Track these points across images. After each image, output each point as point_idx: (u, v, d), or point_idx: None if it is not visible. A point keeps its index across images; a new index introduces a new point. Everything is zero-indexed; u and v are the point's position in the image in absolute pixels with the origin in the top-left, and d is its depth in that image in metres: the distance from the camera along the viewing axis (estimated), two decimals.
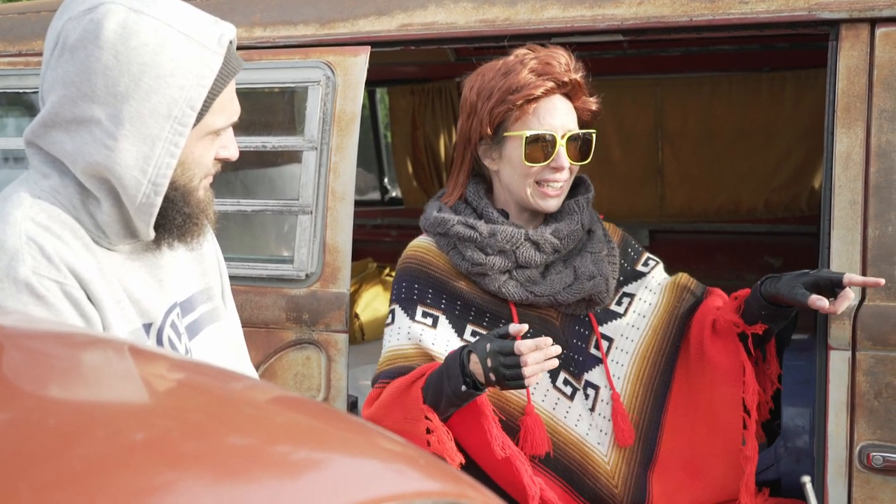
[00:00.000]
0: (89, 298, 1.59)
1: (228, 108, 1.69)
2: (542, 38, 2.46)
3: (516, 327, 1.97)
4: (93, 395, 1.06)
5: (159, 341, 1.70)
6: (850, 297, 2.03)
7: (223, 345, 1.90)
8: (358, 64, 2.59)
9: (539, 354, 1.95)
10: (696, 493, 2.27)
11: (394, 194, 5.47)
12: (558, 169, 2.21)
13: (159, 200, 1.62)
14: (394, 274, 4.45)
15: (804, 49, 3.95)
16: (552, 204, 2.25)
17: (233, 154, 1.74)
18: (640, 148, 4.47)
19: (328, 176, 2.56)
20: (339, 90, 2.59)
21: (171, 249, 1.74)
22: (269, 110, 3.30)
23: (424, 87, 4.93)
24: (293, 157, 3.85)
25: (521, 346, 1.93)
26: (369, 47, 2.61)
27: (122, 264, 1.68)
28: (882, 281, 2.04)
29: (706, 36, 2.38)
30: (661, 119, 4.43)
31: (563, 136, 2.20)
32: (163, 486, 0.82)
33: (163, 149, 1.59)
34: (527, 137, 2.19)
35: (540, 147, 2.20)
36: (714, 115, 4.30)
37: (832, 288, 2.06)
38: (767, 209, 4.38)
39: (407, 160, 5.16)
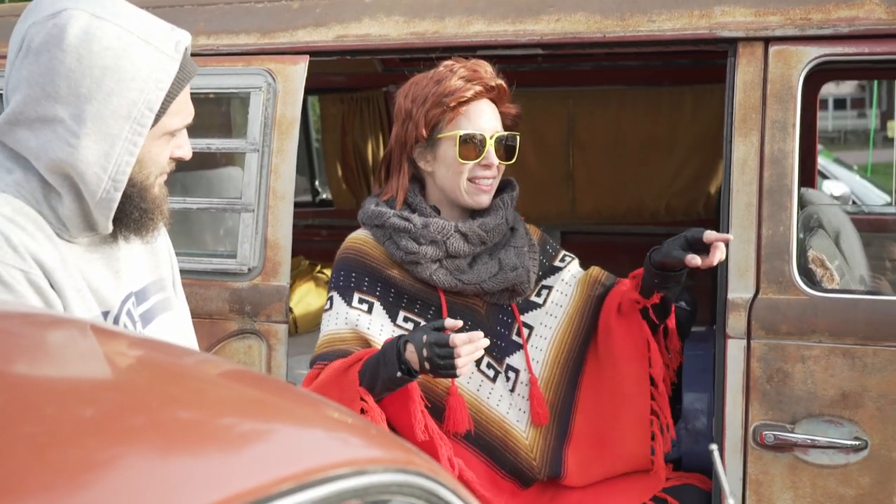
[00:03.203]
0: (52, 287, 1.58)
1: (184, 110, 1.70)
2: (469, 50, 2.50)
3: (452, 322, 2.02)
4: (47, 372, 1.05)
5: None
6: (720, 249, 2.06)
7: (174, 332, 1.90)
8: (297, 72, 2.60)
9: (471, 346, 2.00)
10: (606, 465, 2.34)
11: (324, 196, 5.46)
12: (488, 166, 2.27)
13: (118, 196, 1.62)
14: (325, 271, 4.45)
15: (703, 66, 4.04)
16: (484, 199, 2.30)
17: (187, 153, 1.75)
18: (553, 155, 4.53)
19: (269, 177, 2.57)
20: (279, 96, 2.59)
21: (128, 242, 1.74)
22: (213, 114, 3.29)
23: (353, 96, 4.92)
24: (230, 159, 3.84)
25: (456, 338, 1.98)
26: (308, 56, 2.62)
27: (82, 256, 1.67)
28: (731, 237, 2.12)
29: (617, 51, 2.44)
30: (572, 128, 4.49)
31: (491, 137, 2.26)
32: (108, 461, 0.82)
33: (122, 147, 1.59)
34: (460, 136, 2.24)
35: (472, 146, 2.26)
36: (620, 126, 4.37)
37: (704, 245, 2.10)
38: (668, 212, 4.47)
39: (337, 164, 5.15)
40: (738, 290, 2.24)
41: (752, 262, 2.23)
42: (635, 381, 2.32)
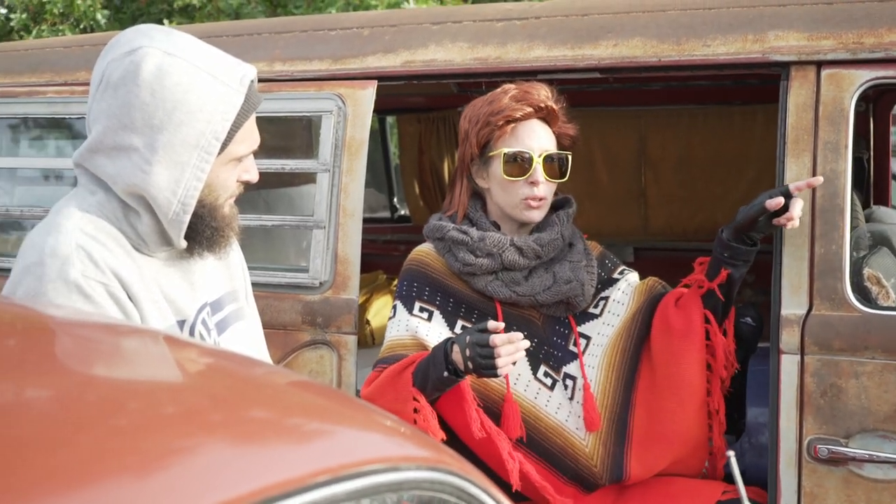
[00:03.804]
0: (130, 298, 1.72)
1: (249, 138, 1.83)
2: (529, 74, 2.59)
3: (494, 324, 2.12)
4: (131, 375, 1.17)
5: (191, 335, 1.84)
6: (801, 203, 2.19)
7: (247, 340, 2.03)
8: (366, 96, 2.72)
9: (511, 347, 2.09)
10: (674, 455, 2.39)
11: (402, 213, 5.58)
12: (535, 184, 2.35)
13: (187, 218, 1.76)
14: None
15: (774, 85, 4.05)
16: (535, 215, 2.39)
17: (253, 177, 1.88)
18: (625, 172, 4.58)
19: (339, 195, 2.69)
20: (349, 119, 2.72)
21: (202, 258, 1.88)
22: (287, 136, 3.43)
23: (430, 116, 5.05)
24: (308, 177, 3.98)
25: (495, 339, 2.08)
26: (376, 81, 2.74)
27: (160, 269, 1.81)
28: (821, 179, 2.20)
29: (672, 75, 2.50)
30: (643, 147, 4.53)
31: (539, 155, 2.34)
32: (188, 448, 0.93)
33: (191, 174, 1.73)
34: (505, 154, 2.35)
35: (518, 164, 2.35)
36: (692, 144, 4.39)
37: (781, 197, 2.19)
38: None
39: (414, 182, 5.27)
40: (792, 306, 2.28)
41: (806, 280, 2.27)
42: (697, 370, 2.36)
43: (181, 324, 1.83)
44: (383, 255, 5.05)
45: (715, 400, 2.37)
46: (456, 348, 2.14)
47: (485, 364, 2.09)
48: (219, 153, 1.75)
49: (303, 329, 2.70)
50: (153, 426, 0.97)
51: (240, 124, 1.78)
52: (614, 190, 4.59)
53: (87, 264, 1.68)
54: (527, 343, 2.12)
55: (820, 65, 2.32)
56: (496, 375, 2.12)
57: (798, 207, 2.19)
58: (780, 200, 2.17)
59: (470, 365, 2.11)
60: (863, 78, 2.27)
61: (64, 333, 1.35)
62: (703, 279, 2.37)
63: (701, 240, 4.58)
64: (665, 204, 4.55)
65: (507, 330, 2.35)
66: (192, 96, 1.70)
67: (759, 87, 4.10)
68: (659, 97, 4.32)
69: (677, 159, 4.43)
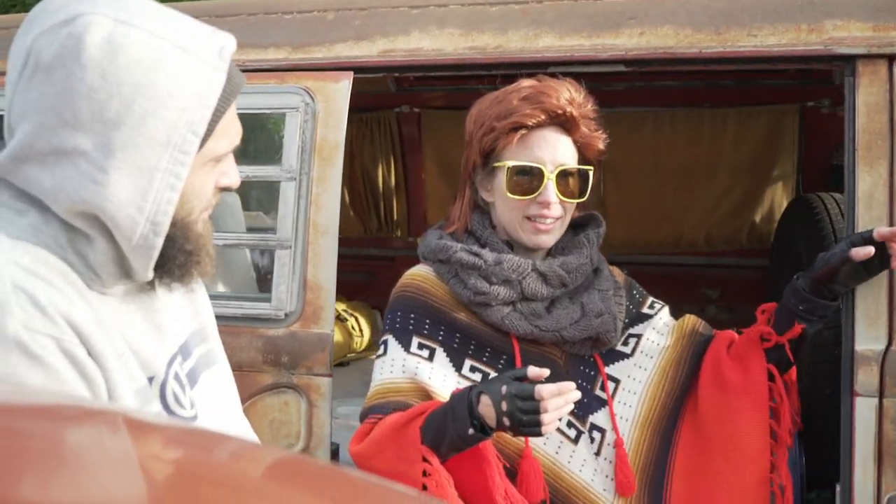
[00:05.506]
0: (90, 354, 1.27)
1: (231, 129, 1.37)
2: (539, 66, 2.21)
3: (536, 371, 1.73)
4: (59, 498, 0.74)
5: (163, 395, 1.38)
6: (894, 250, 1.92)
7: (220, 392, 1.59)
8: (340, 90, 2.31)
9: (559, 400, 1.71)
10: None
11: None
12: (544, 204, 1.96)
13: (160, 241, 1.30)
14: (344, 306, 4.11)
15: (747, 87, 3.79)
16: (544, 239, 1.99)
17: (235, 181, 1.42)
18: None
19: (309, 208, 2.27)
20: (319, 117, 2.29)
21: (169, 291, 1.43)
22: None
23: (363, 117, 4.62)
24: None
25: (543, 390, 1.69)
26: (352, 73, 2.32)
27: (118, 310, 1.35)
28: None
29: (713, 69, 2.16)
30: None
31: (552, 170, 1.95)
32: None
33: (162, 181, 1.27)
34: (510, 168, 1.95)
35: (525, 180, 1.95)
36: (657, 150, 4.10)
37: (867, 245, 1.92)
38: (708, 242, 4.21)
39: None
40: (868, 341, 1.97)
41: (884, 310, 1.96)
42: (758, 435, 2.00)
43: (150, 381, 1.38)
44: None
45: (781, 475, 2.01)
46: (485, 400, 1.74)
47: (528, 421, 1.69)
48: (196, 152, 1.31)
49: (263, 370, 2.26)
50: None
51: (221, 112, 1.32)
52: None
53: (31, 312, 1.21)
54: (578, 395, 1.73)
55: (892, 58, 2.00)
56: (539, 434, 1.73)
57: None
58: (870, 250, 1.87)
59: (506, 421, 1.71)
60: None
61: None
62: (770, 331, 2.02)
63: (663, 253, 4.30)
64: (626, 215, 4.25)
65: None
66: (158, 77, 1.24)
67: (730, 88, 3.84)
68: (622, 98, 4.01)
69: (641, 166, 4.13)
